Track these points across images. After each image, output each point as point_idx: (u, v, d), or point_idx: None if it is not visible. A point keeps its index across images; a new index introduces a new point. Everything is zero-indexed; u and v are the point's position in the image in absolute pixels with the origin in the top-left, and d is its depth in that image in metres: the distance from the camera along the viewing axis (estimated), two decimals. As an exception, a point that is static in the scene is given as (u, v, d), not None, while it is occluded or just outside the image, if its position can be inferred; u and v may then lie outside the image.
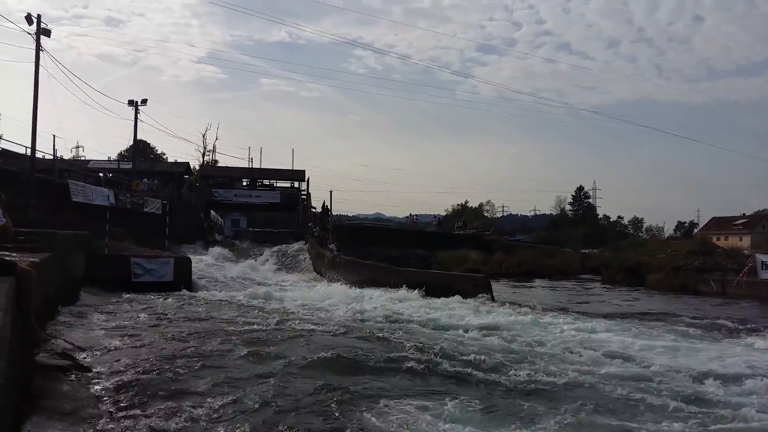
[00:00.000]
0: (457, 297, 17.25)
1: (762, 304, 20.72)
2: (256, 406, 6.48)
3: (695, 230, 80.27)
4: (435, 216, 64.49)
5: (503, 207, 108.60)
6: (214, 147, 54.67)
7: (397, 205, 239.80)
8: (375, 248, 33.83)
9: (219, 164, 52.64)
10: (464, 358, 9.24)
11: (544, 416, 6.56)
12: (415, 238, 40.40)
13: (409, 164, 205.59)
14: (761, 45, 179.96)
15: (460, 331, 12.04)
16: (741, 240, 62.79)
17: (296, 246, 34.12)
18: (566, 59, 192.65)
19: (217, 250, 32.93)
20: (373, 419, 6.16)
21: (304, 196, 42.76)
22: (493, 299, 17.83)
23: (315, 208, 44.27)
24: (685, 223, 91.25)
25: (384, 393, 7.20)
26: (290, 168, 45.69)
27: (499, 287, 24.36)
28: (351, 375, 8.15)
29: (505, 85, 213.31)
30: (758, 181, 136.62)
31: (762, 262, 24.46)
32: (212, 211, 45.29)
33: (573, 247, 47.53)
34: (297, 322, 12.76)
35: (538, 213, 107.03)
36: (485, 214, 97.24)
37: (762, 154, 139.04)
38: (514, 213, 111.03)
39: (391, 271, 22.10)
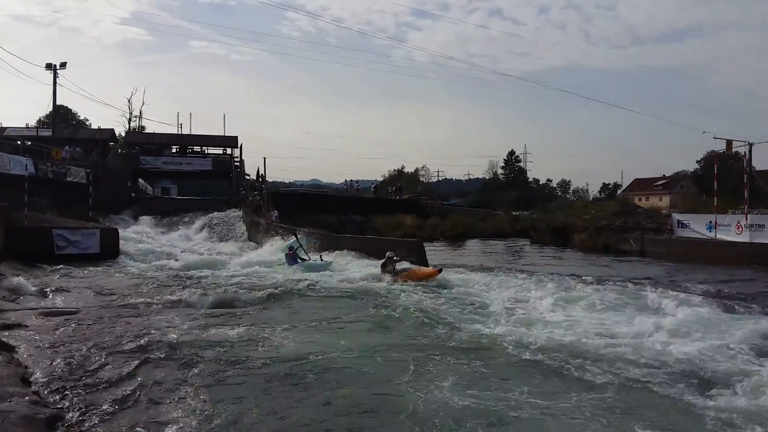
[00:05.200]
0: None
1: (675, 261, 22.01)
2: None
3: (619, 191, 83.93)
4: (373, 182, 64.58)
5: (438, 172, 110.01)
6: (140, 113, 52.46)
7: (334, 172, 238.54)
8: (312, 215, 33.80)
9: (146, 131, 50.62)
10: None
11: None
12: (352, 204, 40.52)
13: (346, 130, 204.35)
14: (683, 12, 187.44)
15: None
16: (661, 200, 66.33)
17: (230, 214, 33.56)
18: (499, 25, 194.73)
19: (146, 219, 31.98)
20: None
21: (237, 163, 41.82)
22: (426, 263, 18.22)
23: (249, 176, 43.48)
24: (609, 184, 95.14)
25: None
26: (222, 134, 44.34)
27: (433, 250, 24.95)
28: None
29: (440, 52, 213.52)
30: (678, 145, 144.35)
31: (678, 220, 26.10)
32: (140, 180, 43.77)
33: (505, 209, 48.79)
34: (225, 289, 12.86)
35: (472, 177, 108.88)
36: (421, 179, 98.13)
37: (682, 119, 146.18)
38: (449, 177, 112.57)
39: (326, 237, 22.16)
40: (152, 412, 5.65)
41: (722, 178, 27.92)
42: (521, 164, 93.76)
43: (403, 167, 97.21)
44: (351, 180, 55.33)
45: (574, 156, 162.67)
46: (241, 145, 42.27)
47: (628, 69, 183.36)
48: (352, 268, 16.80)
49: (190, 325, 9.33)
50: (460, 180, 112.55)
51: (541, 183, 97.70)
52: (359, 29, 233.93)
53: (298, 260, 17.40)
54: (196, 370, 6.95)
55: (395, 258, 14.94)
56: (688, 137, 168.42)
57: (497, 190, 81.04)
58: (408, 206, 41.37)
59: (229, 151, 42.21)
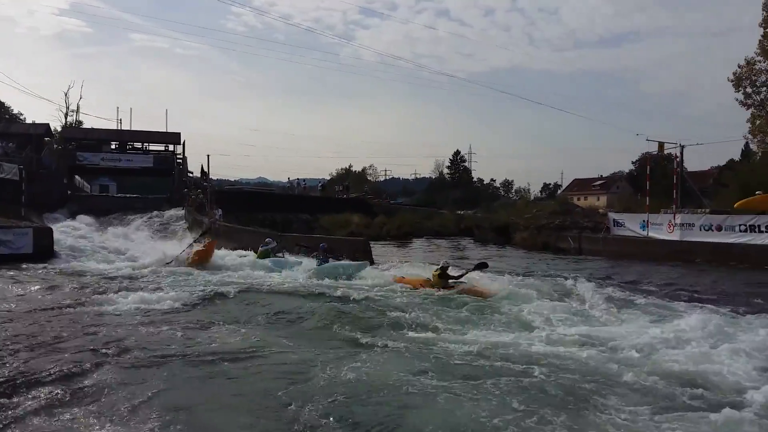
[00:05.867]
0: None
1: (610, 260, 22.96)
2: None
3: (559, 191, 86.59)
4: (320, 180, 64.18)
5: (386, 171, 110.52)
6: (78, 107, 50.58)
7: (281, 170, 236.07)
8: (258, 214, 33.43)
9: (84, 126, 48.80)
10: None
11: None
12: (299, 203, 40.26)
13: (293, 128, 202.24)
14: (621, 18, 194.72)
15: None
16: (598, 200, 68.87)
17: (172, 212, 32.75)
18: (445, 26, 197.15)
19: (83, 218, 30.83)
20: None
21: (180, 160, 40.81)
22: (371, 262, 18.42)
23: (192, 173, 42.52)
24: (550, 184, 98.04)
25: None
26: (164, 130, 43.13)
27: (379, 249, 25.15)
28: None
29: (387, 51, 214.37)
30: (615, 146, 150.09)
31: (614, 219, 27.20)
32: (77, 177, 42.13)
33: (450, 208, 49.47)
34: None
35: (418, 176, 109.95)
36: (368, 178, 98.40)
37: (619, 122, 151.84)
38: (396, 176, 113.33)
39: (272, 236, 21.99)
40: (78, 412, 5.61)
41: (655, 179, 29.30)
42: (466, 164, 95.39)
43: (350, 166, 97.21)
44: (298, 179, 54.96)
45: (517, 156, 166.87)
46: (184, 142, 41.28)
47: (569, 72, 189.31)
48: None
49: (117, 325, 9.26)
50: (407, 179, 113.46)
51: (485, 183, 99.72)
52: (307, 27, 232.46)
53: (329, 259, 16.50)
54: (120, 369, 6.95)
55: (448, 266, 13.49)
56: (624, 139, 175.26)
57: (443, 189, 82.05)
58: (355, 205, 41.38)
59: (171, 147, 41.12)
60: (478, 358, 7.61)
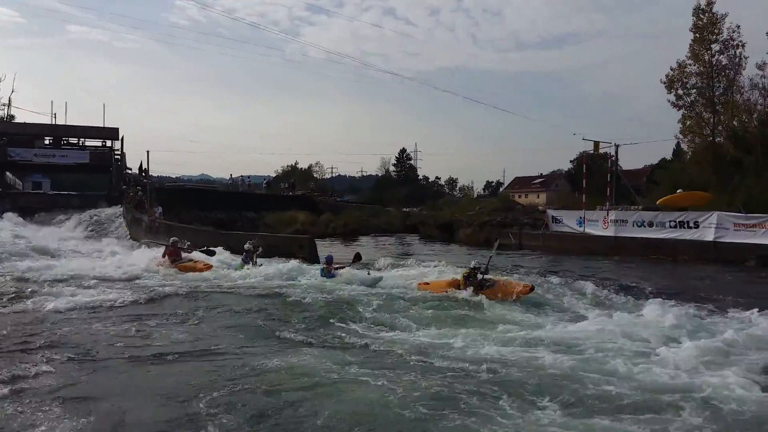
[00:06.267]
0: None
1: (549, 255, 23.76)
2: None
3: (501, 189, 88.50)
4: (265, 177, 63.38)
5: (332, 168, 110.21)
6: (9, 100, 48.42)
7: (224, 167, 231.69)
8: (201, 212, 32.80)
9: (16, 120, 46.59)
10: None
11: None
12: (244, 201, 39.66)
13: (238, 124, 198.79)
14: (561, 20, 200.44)
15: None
16: (538, 197, 70.85)
17: (110, 211, 31.73)
18: (392, 24, 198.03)
19: (13, 216, 29.47)
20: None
21: (118, 156, 39.53)
22: (317, 259, 18.44)
23: (131, 170, 41.26)
24: (492, 182, 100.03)
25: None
26: (102, 125, 41.61)
27: (325, 247, 25.12)
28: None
29: (334, 48, 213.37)
30: (555, 145, 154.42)
31: (552, 216, 28.11)
32: (8, 173, 40.21)
33: (396, 206, 49.84)
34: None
35: (365, 174, 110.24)
36: (315, 175, 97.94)
37: (558, 122, 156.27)
38: (342, 174, 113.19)
39: (215, 234, 21.67)
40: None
41: (592, 177, 30.43)
42: (412, 162, 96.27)
43: (296, 163, 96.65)
44: (242, 176, 54.12)
45: (461, 155, 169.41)
46: (122, 138, 40.02)
47: (511, 73, 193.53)
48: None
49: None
50: (354, 177, 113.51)
51: (430, 180, 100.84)
52: (252, 22, 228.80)
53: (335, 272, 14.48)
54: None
55: (481, 268, 12.65)
56: (563, 139, 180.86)
57: (389, 187, 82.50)
58: (301, 202, 41.14)
59: (109, 143, 39.80)
60: (410, 355, 7.78)
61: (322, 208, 40.63)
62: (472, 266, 12.54)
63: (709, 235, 20.71)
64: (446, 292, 12.36)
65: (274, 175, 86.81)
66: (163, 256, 16.67)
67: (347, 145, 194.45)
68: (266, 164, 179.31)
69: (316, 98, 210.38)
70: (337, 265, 14.75)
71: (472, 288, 12.15)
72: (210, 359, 7.55)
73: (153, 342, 8.40)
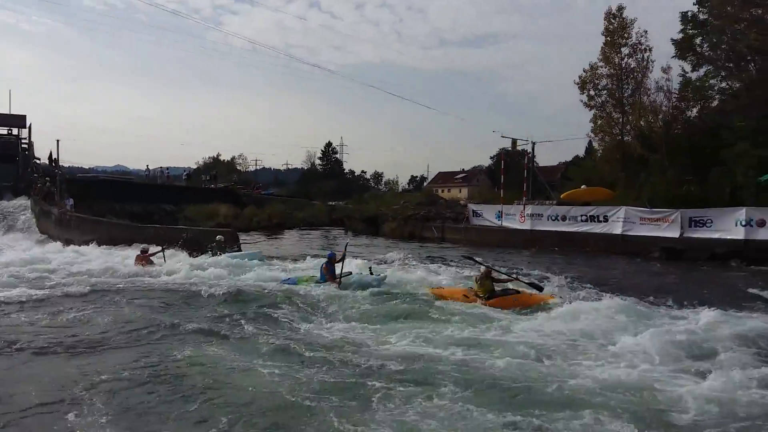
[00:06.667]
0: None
1: (470, 247, 24.48)
2: None
3: (425, 183, 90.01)
4: (185, 169, 61.29)
5: (256, 161, 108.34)
6: None
7: (142, 158, 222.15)
8: (116, 204, 31.42)
9: None
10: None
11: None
12: (162, 193, 38.37)
13: (157, 114, 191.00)
14: (482, 20, 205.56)
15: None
16: (460, 192, 72.64)
17: (16, 202, 29.82)
18: (317, 17, 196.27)
19: None
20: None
21: (26, 145, 37.16)
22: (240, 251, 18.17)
23: (40, 159, 38.89)
24: (417, 177, 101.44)
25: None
26: (8, 112, 38.85)
27: (249, 241, 24.79)
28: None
29: (258, 39, 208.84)
30: (476, 142, 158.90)
31: (473, 210, 28.96)
32: None
33: (321, 200, 49.71)
34: None
35: (290, 167, 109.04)
36: (238, 168, 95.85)
37: (479, 119, 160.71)
38: (267, 167, 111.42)
39: (131, 228, 20.87)
40: None
41: (510, 173, 31.54)
42: (338, 156, 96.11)
43: (218, 155, 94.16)
44: (161, 167, 52.12)
45: (387, 149, 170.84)
46: (30, 126, 37.63)
47: (435, 70, 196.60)
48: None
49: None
50: (279, 169, 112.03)
51: (356, 174, 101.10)
52: (172, 9, 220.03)
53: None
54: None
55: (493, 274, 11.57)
56: (485, 135, 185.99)
57: (315, 180, 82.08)
58: (223, 195, 40.24)
59: (15, 131, 37.31)
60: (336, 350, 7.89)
61: (246, 201, 39.97)
62: (483, 271, 11.35)
63: (617, 229, 22.02)
64: (462, 300, 11.14)
65: (195, 166, 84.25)
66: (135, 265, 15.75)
67: (272, 137, 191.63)
68: (187, 156, 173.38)
69: (240, 89, 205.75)
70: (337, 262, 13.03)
71: (480, 298, 10.97)
72: (119, 351, 7.70)
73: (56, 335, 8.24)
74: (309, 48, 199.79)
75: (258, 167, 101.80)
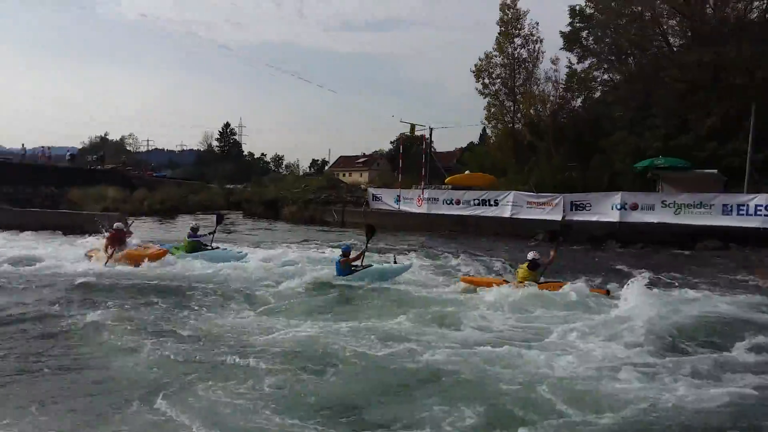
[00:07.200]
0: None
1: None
2: None
3: (326, 167, 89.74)
4: (69, 149, 57.23)
5: (148, 141, 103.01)
6: None
7: (18, 136, 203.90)
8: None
9: None
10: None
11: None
12: (42, 175, 35.84)
13: (38, 89, 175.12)
14: (384, 4, 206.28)
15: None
16: (361, 176, 73.12)
17: None
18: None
19: None
20: None
21: None
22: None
23: None
24: (318, 160, 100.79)
25: None
26: None
27: (139, 226, 23.69)
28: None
29: (152, 12, 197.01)
30: (378, 126, 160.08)
31: (373, 194, 29.39)
32: None
33: (219, 183, 48.50)
34: None
35: (185, 148, 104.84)
36: (128, 149, 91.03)
37: (381, 103, 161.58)
38: (160, 147, 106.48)
39: (10, 212, 19.36)
40: None
41: (409, 158, 32.29)
42: (237, 137, 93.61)
43: (106, 134, 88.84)
44: (43, 147, 48.45)
45: (288, 132, 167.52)
46: None
47: (338, 53, 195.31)
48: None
49: None
50: (173, 151, 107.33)
51: (255, 157, 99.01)
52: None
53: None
54: None
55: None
56: (386, 120, 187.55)
57: (212, 162, 79.70)
58: (111, 177, 38.20)
59: None
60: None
61: (136, 184, 38.32)
62: (530, 258, 11.22)
63: (506, 212, 23.20)
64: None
65: (80, 146, 79.01)
66: (106, 249, 13.43)
67: (166, 116, 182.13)
68: (71, 135, 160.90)
69: (132, 65, 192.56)
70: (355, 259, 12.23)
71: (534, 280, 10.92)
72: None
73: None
74: (207, 24, 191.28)
75: (150, 148, 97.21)
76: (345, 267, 11.95)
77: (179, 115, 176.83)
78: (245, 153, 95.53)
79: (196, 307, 9.58)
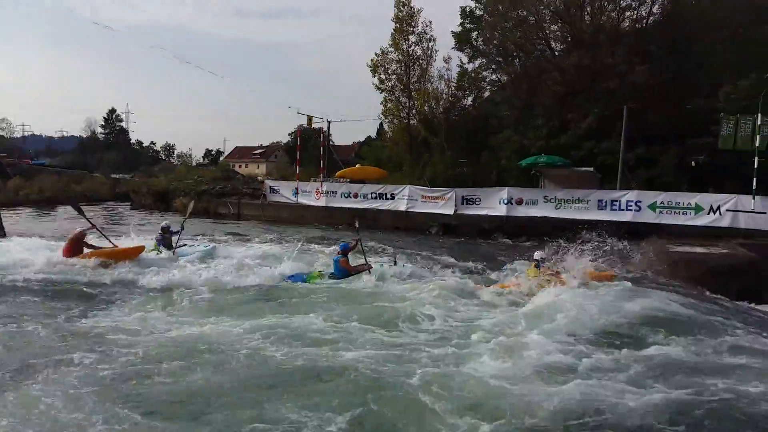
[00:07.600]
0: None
1: (267, 224, 24.69)
2: None
3: (221, 158, 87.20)
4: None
5: (24, 126, 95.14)
6: None
7: None
8: None
9: None
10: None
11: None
12: None
13: None
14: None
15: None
16: (258, 167, 71.85)
17: None
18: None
19: None
20: None
21: None
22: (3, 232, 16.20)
23: None
24: (212, 150, 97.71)
25: None
26: None
27: (13, 218, 22.09)
28: None
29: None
30: (276, 116, 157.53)
31: (270, 186, 29.08)
32: None
33: (104, 172, 45.90)
34: None
35: (66, 134, 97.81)
36: (1, 134, 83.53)
37: (278, 93, 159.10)
38: (37, 134, 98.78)
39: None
40: None
41: (307, 150, 32.28)
42: (123, 124, 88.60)
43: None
44: None
45: (180, 120, 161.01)
46: None
47: (233, 40, 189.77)
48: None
49: None
50: (52, 137, 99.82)
51: (144, 145, 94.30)
52: None
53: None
54: None
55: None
56: (284, 111, 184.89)
57: (96, 150, 75.07)
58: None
59: None
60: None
61: (10, 173, 35.46)
62: (538, 258, 11.17)
63: (402, 206, 23.86)
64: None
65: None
66: (70, 254, 11.88)
67: (44, 99, 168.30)
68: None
69: (4, 45, 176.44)
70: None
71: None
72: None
73: None
74: (91, 3, 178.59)
75: (26, 134, 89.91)
76: (341, 269, 11.33)
77: (60, 98, 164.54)
78: (133, 141, 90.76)
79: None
